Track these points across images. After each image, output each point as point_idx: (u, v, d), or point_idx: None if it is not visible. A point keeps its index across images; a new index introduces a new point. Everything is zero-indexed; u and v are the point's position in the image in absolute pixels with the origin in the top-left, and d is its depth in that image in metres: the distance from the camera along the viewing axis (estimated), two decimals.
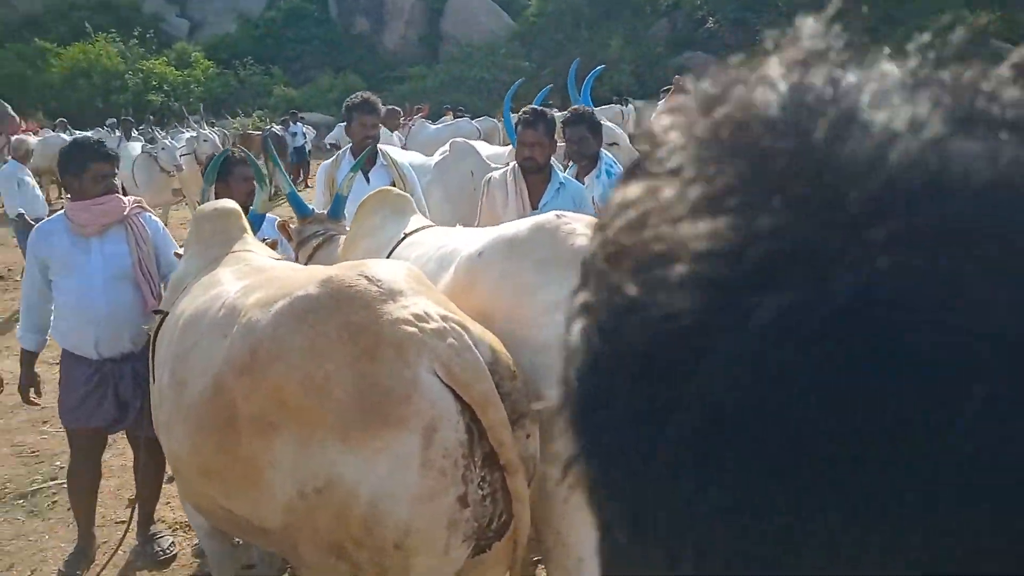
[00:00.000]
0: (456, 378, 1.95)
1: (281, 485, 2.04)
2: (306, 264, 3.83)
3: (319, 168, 5.16)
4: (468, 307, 2.53)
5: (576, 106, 4.75)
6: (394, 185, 4.82)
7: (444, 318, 2.06)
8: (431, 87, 29.38)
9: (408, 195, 3.68)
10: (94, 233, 3.73)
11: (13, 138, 11.57)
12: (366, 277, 2.14)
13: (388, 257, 3.16)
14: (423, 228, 3.26)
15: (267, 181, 3.80)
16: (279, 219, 4.12)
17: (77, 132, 18.83)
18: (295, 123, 17.96)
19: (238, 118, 26.08)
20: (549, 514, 2.39)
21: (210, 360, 2.29)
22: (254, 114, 27.01)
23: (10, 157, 10.33)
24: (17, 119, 24.64)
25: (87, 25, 32.13)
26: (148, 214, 3.95)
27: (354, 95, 5.09)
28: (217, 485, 2.32)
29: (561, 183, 4.25)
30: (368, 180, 4.81)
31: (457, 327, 2.05)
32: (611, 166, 4.73)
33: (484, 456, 1.98)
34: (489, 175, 4.41)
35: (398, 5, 34.10)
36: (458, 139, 6.82)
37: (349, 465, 1.93)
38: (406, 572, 1.96)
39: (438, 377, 1.96)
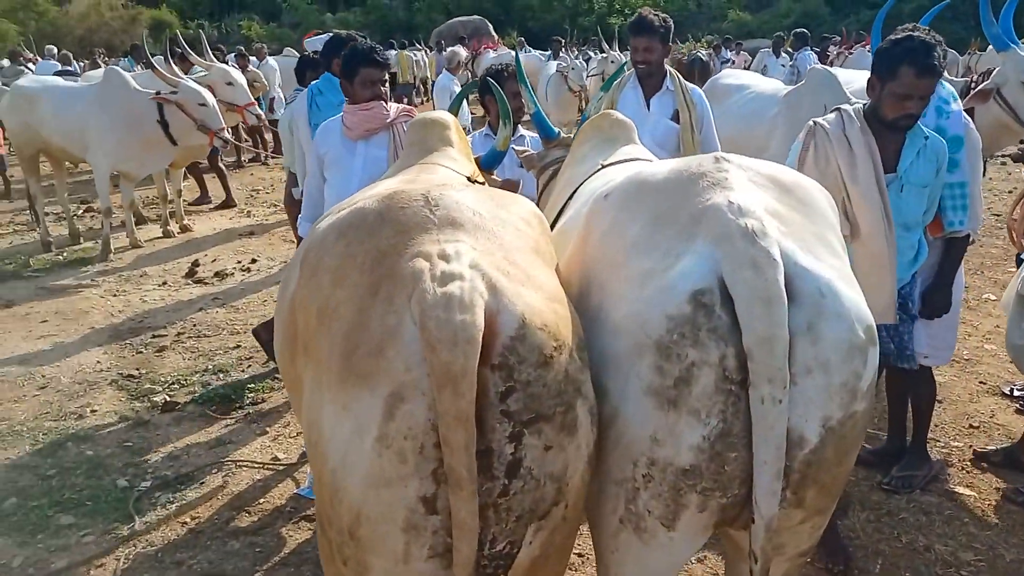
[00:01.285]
0: (427, 335, 1.49)
1: (305, 423, 1.84)
2: (540, 193, 3.52)
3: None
4: (576, 264, 2.02)
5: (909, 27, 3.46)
6: (677, 114, 4.20)
7: (474, 265, 1.59)
8: (919, 10, 25.86)
9: (628, 121, 3.10)
10: (360, 136, 3.83)
11: (448, 50, 12.85)
12: (426, 198, 1.78)
13: (575, 191, 2.71)
14: (626, 160, 2.72)
15: (510, 116, 3.47)
16: (522, 148, 3.81)
17: (532, 51, 20.40)
18: (727, 49, 17.19)
19: (687, 43, 25.99)
20: (600, 547, 1.86)
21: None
22: (703, 38, 26.57)
23: (444, 69, 11.47)
24: (495, 37, 27.71)
25: None
26: None
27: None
28: (293, 396, 2.21)
29: (926, 138, 3.18)
30: (648, 106, 4.25)
31: (481, 279, 1.57)
32: (945, 103, 3.47)
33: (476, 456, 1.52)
34: (817, 121, 3.28)
35: None
36: (818, 66, 5.75)
37: (327, 419, 1.61)
38: (365, 572, 1.61)
39: None
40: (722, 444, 1.62)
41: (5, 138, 10.20)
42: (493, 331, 1.52)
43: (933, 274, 3.52)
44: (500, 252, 1.69)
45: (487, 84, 3.91)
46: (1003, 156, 5.20)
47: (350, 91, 3.90)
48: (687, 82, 4.40)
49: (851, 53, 14.01)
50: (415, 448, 1.50)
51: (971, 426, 4.37)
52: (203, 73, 8.74)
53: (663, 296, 1.67)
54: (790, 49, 13.56)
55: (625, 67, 4.49)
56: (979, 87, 4.94)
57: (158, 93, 7.51)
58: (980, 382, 4.84)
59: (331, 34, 6.39)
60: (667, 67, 4.36)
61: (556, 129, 3.62)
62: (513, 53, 19.11)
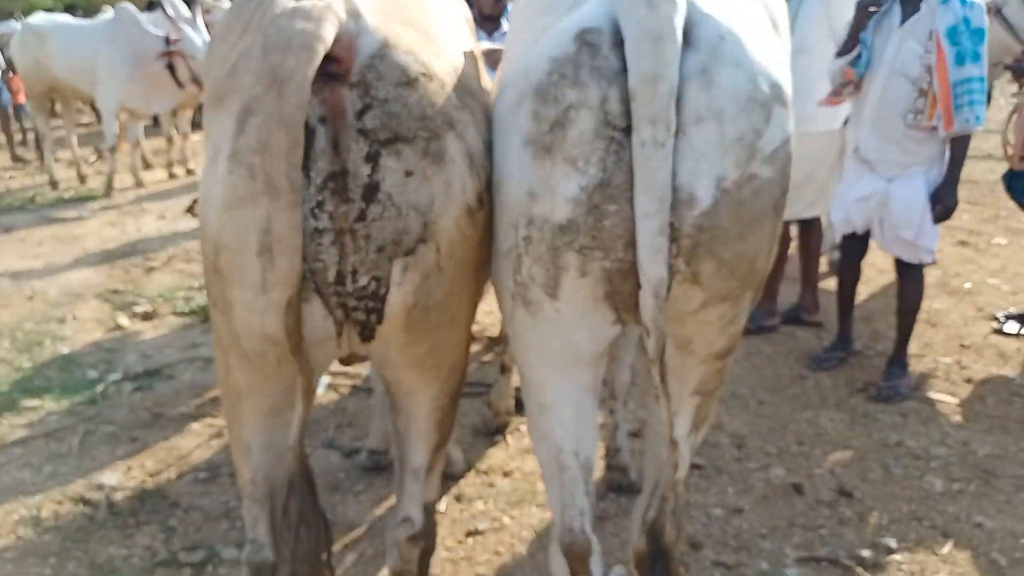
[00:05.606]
0: (264, 41, 1.45)
1: None
2: None
3: None
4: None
5: None
6: None
7: None
8: None
9: None
10: None
11: None
12: None
13: None
14: None
15: None
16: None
17: None
18: None
19: None
20: (509, 336, 1.78)
21: None
22: None
23: None
24: None
25: None
26: None
27: None
28: None
29: None
30: None
31: (345, 4, 1.50)
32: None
33: (331, 176, 1.46)
34: None
35: None
36: None
37: (205, 150, 1.62)
38: (230, 309, 1.55)
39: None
40: (601, 195, 1.50)
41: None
42: (351, 53, 1.48)
43: (943, 173, 3.48)
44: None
45: None
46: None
47: None
48: None
49: None
50: (264, 162, 1.43)
51: (962, 346, 4.21)
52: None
53: (551, 42, 1.56)
54: None
55: None
56: None
57: (166, 41, 7.54)
58: (977, 309, 4.67)
59: None
60: None
61: None
62: None
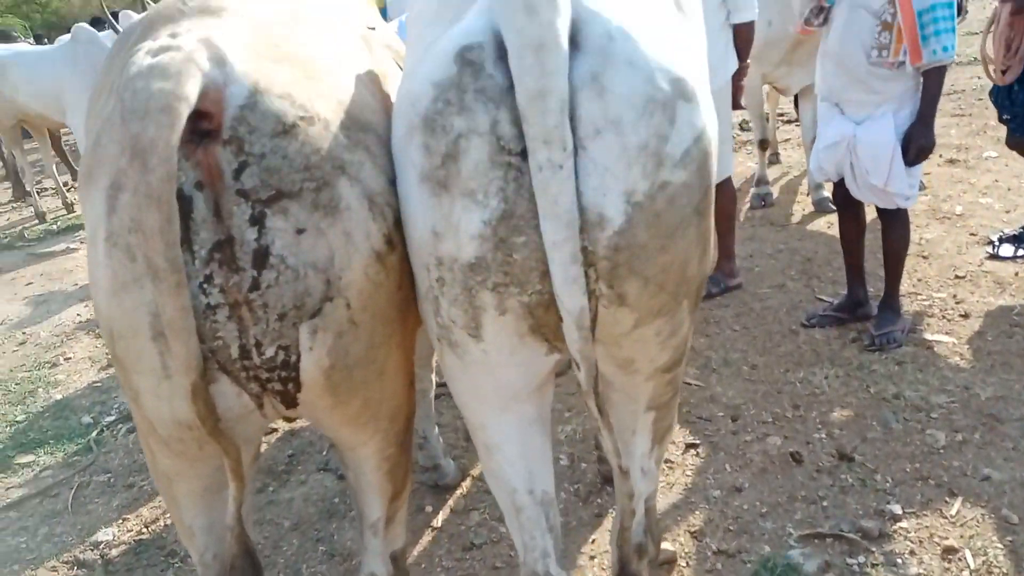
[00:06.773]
0: (121, 108, 1.32)
1: None
2: None
3: None
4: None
5: None
6: None
7: (204, 39, 1.39)
8: None
9: None
10: None
11: None
12: None
13: None
14: None
15: None
16: None
17: None
18: None
19: None
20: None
21: None
22: None
23: None
24: None
25: None
26: None
27: None
28: None
29: None
30: None
31: (206, 50, 1.37)
32: None
33: (215, 246, 1.35)
34: None
35: None
36: None
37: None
38: (137, 397, 1.47)
39: None
40: (506, 228, 1.37)
41: None
42: (221, 105, 1.36)
43: (915, 112, 3.27)
44: (256, 32, 1.51)
45: None
46: None
47: None
48: None
49: None
50: (142, 241, 1.32)
51: (957, 277, 4.08)
52: None
53: (432, 63, 1.43)
54: None
55: None
56: None
57: None
58: (971, 234, 4.53)
59: None
60: None
61: None
62: None
